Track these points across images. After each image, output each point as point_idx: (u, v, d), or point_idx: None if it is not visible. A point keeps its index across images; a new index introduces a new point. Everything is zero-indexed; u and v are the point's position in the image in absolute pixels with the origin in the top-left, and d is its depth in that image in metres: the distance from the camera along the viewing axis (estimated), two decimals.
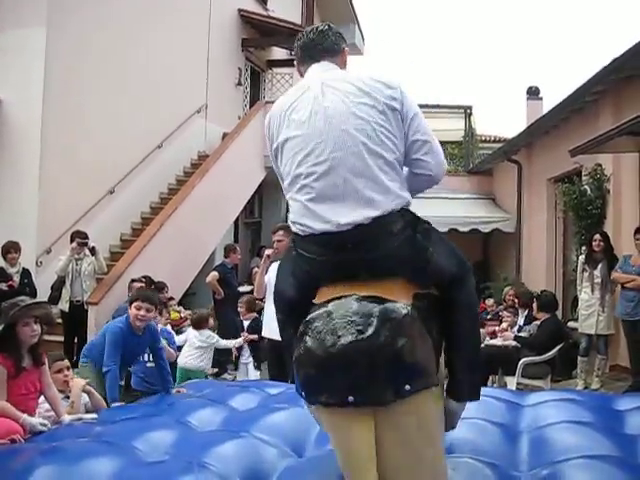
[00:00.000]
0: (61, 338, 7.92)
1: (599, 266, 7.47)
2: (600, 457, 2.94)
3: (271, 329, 5.41)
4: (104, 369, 4.56)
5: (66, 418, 4.00)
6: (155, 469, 3.05)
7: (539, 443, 3.25)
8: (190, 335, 6.90)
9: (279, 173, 2.41)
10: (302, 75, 2.54)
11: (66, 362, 4.59)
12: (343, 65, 2.54)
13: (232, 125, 12.38)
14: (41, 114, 8.57)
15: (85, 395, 4.43)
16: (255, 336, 7.17)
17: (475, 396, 2.44)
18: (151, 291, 5.46)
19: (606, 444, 3.12)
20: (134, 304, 4.72)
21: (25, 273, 7.61)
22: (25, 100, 8.59)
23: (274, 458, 3.14)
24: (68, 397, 4.38)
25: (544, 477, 2.87)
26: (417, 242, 2.20)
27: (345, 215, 2.14)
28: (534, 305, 7.56)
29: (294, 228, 2.30)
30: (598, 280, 7.45)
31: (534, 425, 3.56)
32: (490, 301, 10.38)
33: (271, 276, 5.39)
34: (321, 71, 2.43)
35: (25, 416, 3.67)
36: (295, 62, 2.61)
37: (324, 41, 2.52)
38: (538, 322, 7.28)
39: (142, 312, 4.64)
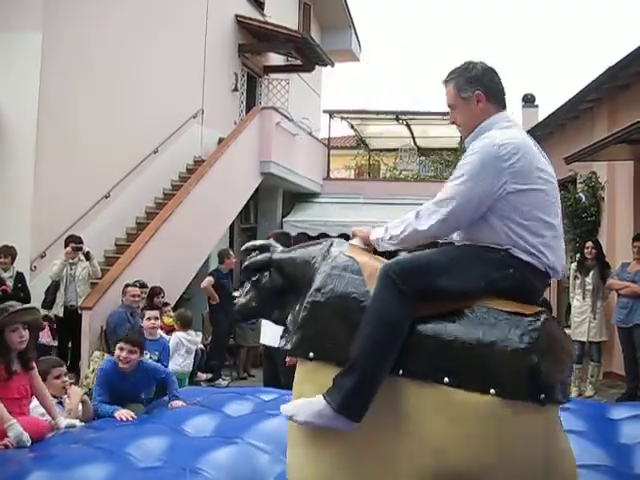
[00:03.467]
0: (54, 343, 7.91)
1: (591, 273, 7.49)
2: (594, 467, 2.93)
3: (267, 336, 5.41)
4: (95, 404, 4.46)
5: (62, 421, 3.98)
6: (148, 475, 3.04)
7: None
8: (179, 338, 6.95)
9: (492, 193, 2.44)
10: (479, 103, 2.58)
11: (64, 368, 4.59)
12: None
13: (228, 130, 12.37)
14: (36, 117, 8.52)
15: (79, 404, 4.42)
16: None
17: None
18: (137, 333, 5.29)
19: (600, 454, 3.12)
20: (118, 344, 4.61)
21: (19, 277, 7.56)
22: (20, 103, 8.53)
23: (267, 465, 3.14)
24: (61, 403, 4.36)
25: None
26: None
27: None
28: None
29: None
30: (590, 287, 7.47)
31: None
32: None
33: None
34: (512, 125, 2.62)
35: (14, 422, 3.60)
36: (478, 91, 2.57)
37: None
38: None
39: (124, 354, 4.51)
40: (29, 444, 3.55)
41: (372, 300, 2.43)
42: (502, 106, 2.61)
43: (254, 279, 2.82)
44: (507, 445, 2.29)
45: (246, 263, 2.86)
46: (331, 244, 2.74)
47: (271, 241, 2.99)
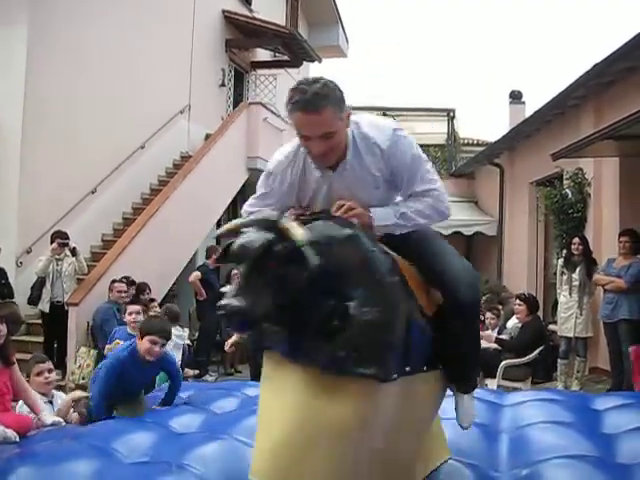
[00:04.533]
0: (39, 339, 7.87)
1: (577, 269, 7.53)
2: (579, 457, 2.96)
3: None
4: (90, 403, 4.13)
5: (47, 418, 3.92)
6: (134, 471, 3.02)
7: (519, 443, 3.26)
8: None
9: None
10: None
11: (48, 364, 4.48)
12: None
13: (215, 126, 12.33)
14: (22, 112, 8.47)
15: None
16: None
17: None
18: (163, 321, 4.76)
19: (585, 444, 3.14)
20: (148, 337, 4.09)
21: (1, 273, 7.50)
22: (6, 98, 8.48)
23: None
24: (51, 402, 4.32)
25: (524, 477, 2.89)
26: None
27: None
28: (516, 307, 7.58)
29: None
30: (576, 283, 7.52)
31: (514, 425, 3.57)
32: None
33: None
34: None
35: None
36: (347, 108, 2.43)
37: None
38: (519, 324, 7.32)
39: (157, 348, 4.10)
40: (16, 440, 3.47)
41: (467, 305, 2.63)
42: None
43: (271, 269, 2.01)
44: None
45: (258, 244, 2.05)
46: (349, 227, 2.29)
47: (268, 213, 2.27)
